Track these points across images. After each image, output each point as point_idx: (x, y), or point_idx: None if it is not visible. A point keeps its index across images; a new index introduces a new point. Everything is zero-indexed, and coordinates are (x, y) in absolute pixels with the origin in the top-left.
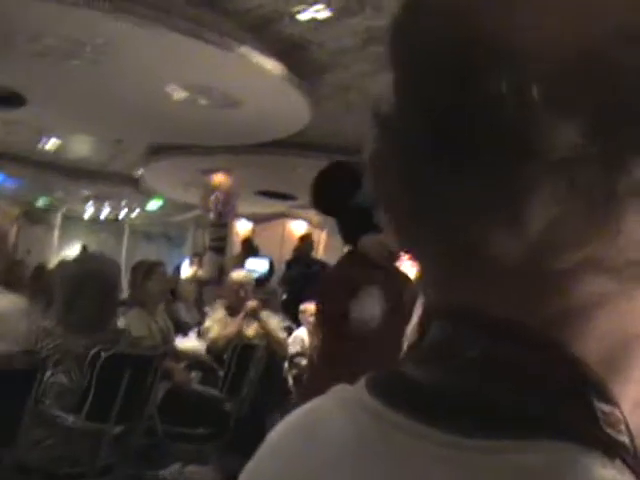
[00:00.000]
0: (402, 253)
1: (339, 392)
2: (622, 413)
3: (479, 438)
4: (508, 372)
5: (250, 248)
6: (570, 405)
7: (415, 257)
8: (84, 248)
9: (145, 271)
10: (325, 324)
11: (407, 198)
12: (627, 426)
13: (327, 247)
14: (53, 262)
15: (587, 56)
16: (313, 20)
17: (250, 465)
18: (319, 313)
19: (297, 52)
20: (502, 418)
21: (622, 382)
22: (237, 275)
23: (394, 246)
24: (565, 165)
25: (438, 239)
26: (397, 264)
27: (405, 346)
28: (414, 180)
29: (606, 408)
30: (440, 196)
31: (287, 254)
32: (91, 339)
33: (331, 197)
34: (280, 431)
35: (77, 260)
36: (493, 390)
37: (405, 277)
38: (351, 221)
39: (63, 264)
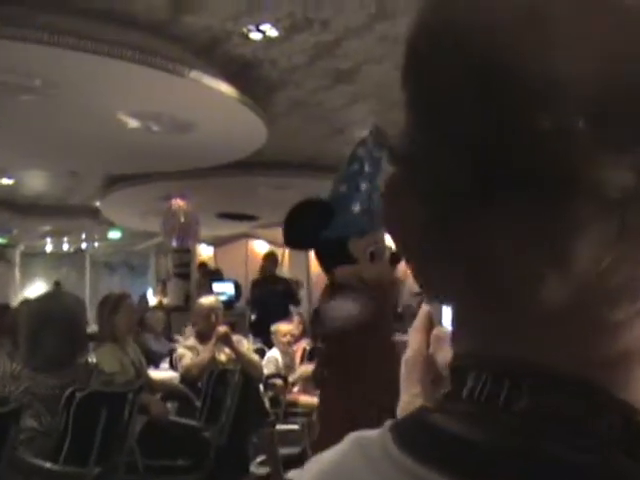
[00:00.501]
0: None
1: (361, 443)
2: None
3: None
4: (556, 425)
5: (206, 272)
6: (627, 455)
7: (444, 302)
8: (57, 284)
9: (112, 305)
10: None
11: (435, 240)
12: None
13: (291, 264)
14: (15, 300)
15: (633, 86)
16: (262, 40)
17: None
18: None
19: (248, 72)
20: (554, 477)
21: None
22: (206, 300)
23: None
24: (615, 204)
25: (473, 285)
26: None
27: (404, 387)
28: (445, 222)
29: None
30: (476, 238)
31: (252, 274)
32: (59, 379)
33: (300, 233)
34: None
35: (39, 299)
36: (542, 446)
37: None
38: (324, 254)
39: (26, 303)
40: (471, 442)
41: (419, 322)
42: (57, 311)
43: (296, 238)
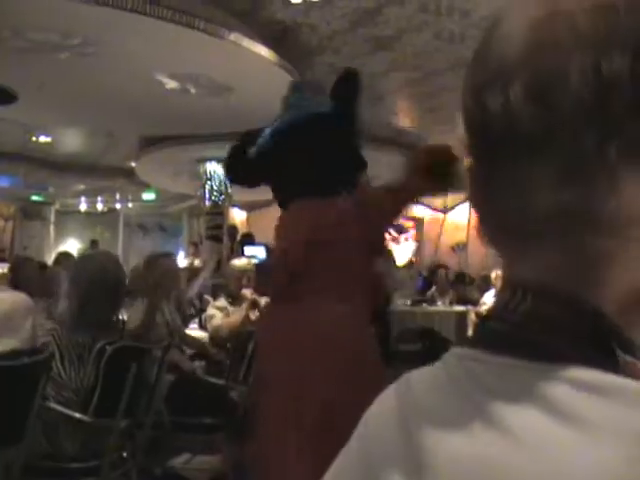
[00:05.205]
0: None
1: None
2: None
3: (527, 360)
4: (547, 322)
5: (235, 235)
6: (593, 349)
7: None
8: (94, 242)
9: (149, 264)
10: None
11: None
12: None
13: None
14: (50, 257)
15: None
16: (302, 4)
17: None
18: None
19: (287, 37)
20: (539, 351)
21: None
22: (239, 262)
23: None
24: None
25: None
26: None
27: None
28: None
29: (629, 359)
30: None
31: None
32: (81, 336)
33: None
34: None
35: (81, 258)
36: (534, 334)
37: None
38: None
39: (73, 260)
40: (499, 332)
41: None
42: (104, 273)
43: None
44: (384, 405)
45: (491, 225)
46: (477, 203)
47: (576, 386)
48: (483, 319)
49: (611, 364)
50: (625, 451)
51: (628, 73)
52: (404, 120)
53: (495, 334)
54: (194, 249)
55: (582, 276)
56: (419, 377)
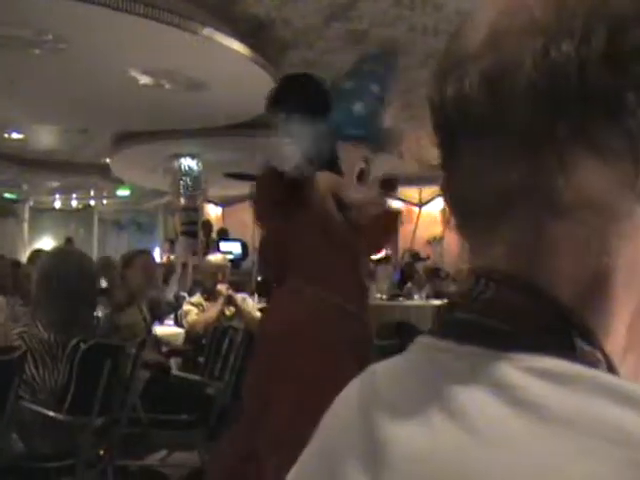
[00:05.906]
0: None
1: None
2: (607, 357)
3: (488, 348)
4: (507, 311)
5: (209, 231)
6: (551, 337)
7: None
8: (68, 240)
9: (126, 261)
10: None
11: None
12: (611, 370)
13: None
14: (24, 255)
15: None
16: None
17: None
18: None
19: (261, 31)
20: (501, 339)
21: (605, 326)
22: (214, 258)
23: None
24: None
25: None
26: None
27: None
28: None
29: (587, 347)
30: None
31: (259, 236)
32: (60, 335)
33: (290, 108)
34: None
35: (51, 257)
36: (496, 323)
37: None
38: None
39: (38, 258)
40: (460, 319)
41: None
42: (64, 271)
43: (284, 110)
44: (347, 398)
45: (456, 212)
46: (445, 192)
47: (535, 374)
48: (449, 308)
49: (570, 352)
50: (580, 440)
51: (575, 56)
52: None
53: (459, 323)
54: (169, 246)
55: (538, 262)
56: (383, 368)
